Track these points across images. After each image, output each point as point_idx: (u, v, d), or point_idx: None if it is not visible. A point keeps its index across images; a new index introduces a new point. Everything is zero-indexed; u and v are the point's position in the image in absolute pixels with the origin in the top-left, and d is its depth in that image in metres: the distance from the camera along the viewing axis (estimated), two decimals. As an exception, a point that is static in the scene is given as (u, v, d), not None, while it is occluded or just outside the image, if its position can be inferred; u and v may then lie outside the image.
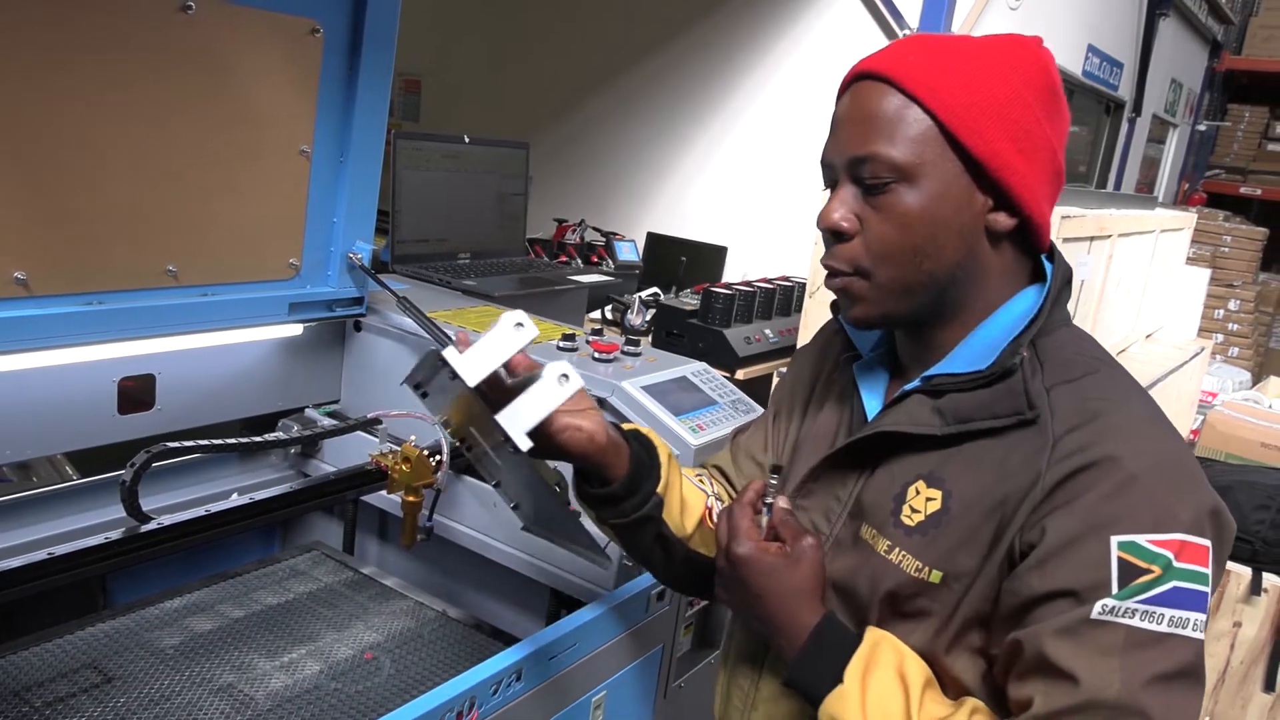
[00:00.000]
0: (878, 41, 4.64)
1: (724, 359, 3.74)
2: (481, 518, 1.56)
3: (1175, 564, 0.81)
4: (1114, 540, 0.81)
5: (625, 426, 1.09)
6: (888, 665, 0.91)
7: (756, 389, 3.71)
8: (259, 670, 1.34)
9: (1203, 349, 4.75)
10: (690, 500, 1.11)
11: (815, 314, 3.55)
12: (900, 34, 4.54)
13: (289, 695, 1.29)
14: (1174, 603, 0.81)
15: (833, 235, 0.94)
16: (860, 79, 0.95)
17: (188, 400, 1.57)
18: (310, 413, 1.72)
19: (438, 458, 1.42)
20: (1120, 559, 0.81)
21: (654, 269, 4.71)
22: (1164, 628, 0.81)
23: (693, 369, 1.59)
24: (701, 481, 1.16)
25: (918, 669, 0.92)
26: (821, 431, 1.07)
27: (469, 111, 6.21)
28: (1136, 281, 4.17)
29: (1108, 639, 0.81)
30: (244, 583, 1.56)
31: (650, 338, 3.94)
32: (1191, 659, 0.82)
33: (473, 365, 0.91)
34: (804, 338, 3.59)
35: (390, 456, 1.40)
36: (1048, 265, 0.97)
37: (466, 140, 2.33)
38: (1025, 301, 0.95)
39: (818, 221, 0.96)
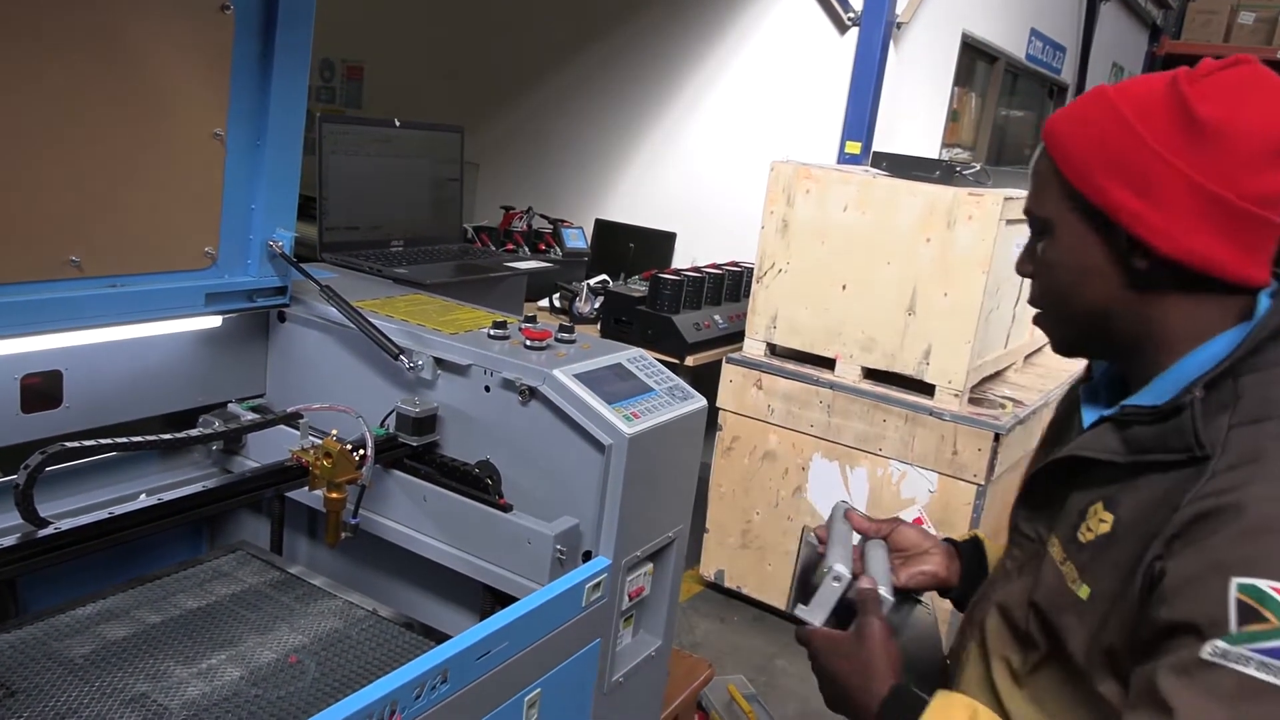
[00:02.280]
0: (825, 30, 4.64)
1: (673, 345, 3.72)
2: (412, 513, 1.51)
3: None
4: (1235, 581, 0.81)
5: (964, 537, 1.32)
6: (961, 714, 0.99)
7: (707, 375, 3.70)
8: (175, 678, 1.28)
9: None
10: None
11: (763, 299, 3.55)
12: (846, 20, 4.53)
13: (206, 704, 1.24)
14: None
15: (1026, 275, 1.08)
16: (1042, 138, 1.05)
17: (99, 397, 1.50)
18: (233, 407, 1.66)
19: (362, 452, 1.37)
20: (1239, 600, 0.81)
21: (602, 256, 4.67)
22: (1276, 680, 0.79)
23: (629, 355, 1.55)
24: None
25: (988, 715, 0.99)
26: (1048, 453, 1.12)
27: (414, 98, 6.11)
28: None
29: (1219, 682, 0.81)
30: (163, 586, 1.50)
31: (599, 325, 3.91)
32: None
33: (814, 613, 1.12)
34: (753, 324, 3.59)
35: (311, 452, 1.34)
36: (1264, 302, 0.96)
37: (397, 124, 2.26)
38: (1222, 342, 0.96)
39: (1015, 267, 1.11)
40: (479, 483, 1.45)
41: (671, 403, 1.48)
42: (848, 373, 3.36)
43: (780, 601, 3.46)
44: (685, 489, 1.57)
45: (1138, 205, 0.93)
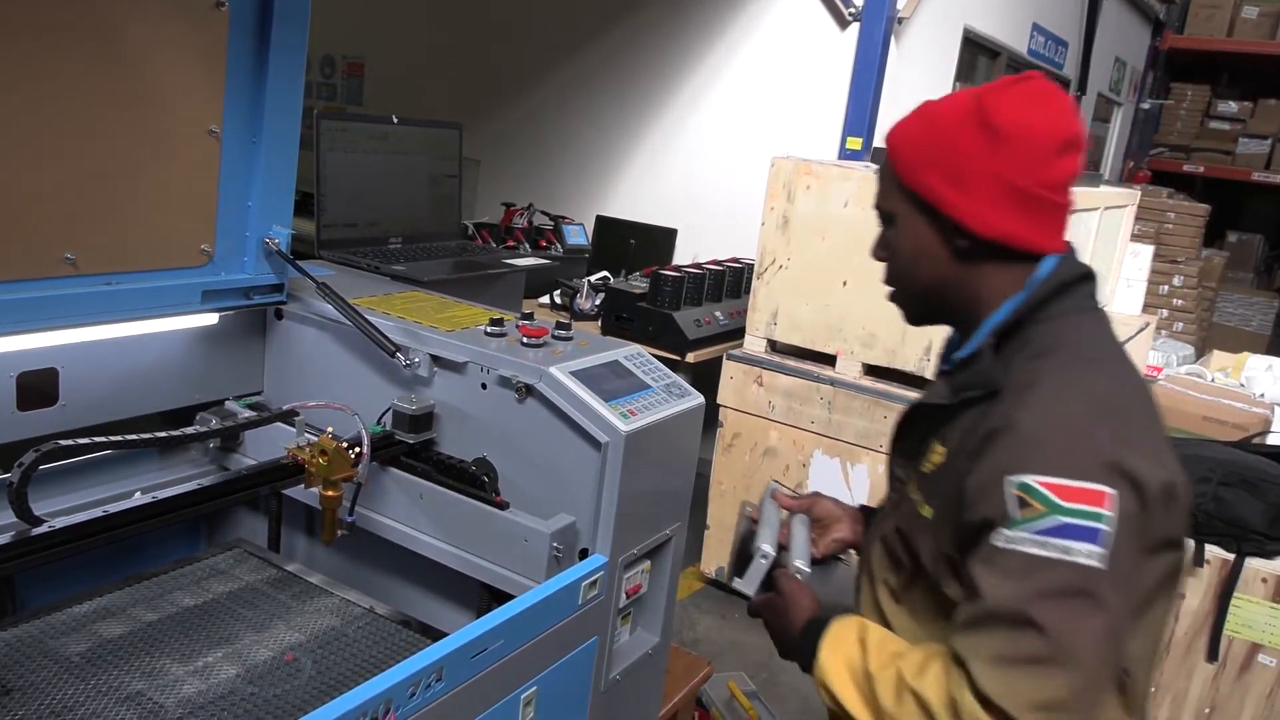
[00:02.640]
0: (826, 26, 4.62)
1: (674, 342, 3.70)
2: (408, 511, 1.51)
3: (1060, 503, 1.00)
4: (1009, 480, 1.02)
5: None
6: (852, 633, 1.18)
7: (707, 372, 3.69)
8: (171, 676, 1.28)
9: (1147, 324, 4.80)
10: None
11: (764, 295, 3.54)
12: (847, 15, 4.52)
13: (202, 701, 1.24)
14: (1061, 534, 1.00)
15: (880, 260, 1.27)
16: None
17: (95, 395, 1.49)
18: (231, 405, 1.65)
19: (358, 450, 1.36)
20: (1016, 496, 1.02)
21: (603, 252, 4.66)
22: (1051, 554, 1.00)
23: (626, 352, 1.55)
24: None
25: (876, 630, 1.19)
26: None
27: (415, 95, 6.10)
28: (1082, 258, 4.20)
29: (1008, 563, 1.02)
30: (160, 584, 1.50)
31: (600, 321, 3.90)
32: (1081, 583, 0.99)
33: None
34: (753, 320, 3.58)
35: (306, 449, 1.34)
36: (1046, 265, 1.16)
37: (395, 120, 2.25)
38: (1016, 300, 1.16)
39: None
40: (475, 480, 1.44)
41: (669, 400, 1.48)
42: (848, 369, 3.35)
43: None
44: (683, 486, 1.56)
45: (955, 197, 1.13)
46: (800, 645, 1.22)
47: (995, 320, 1.16)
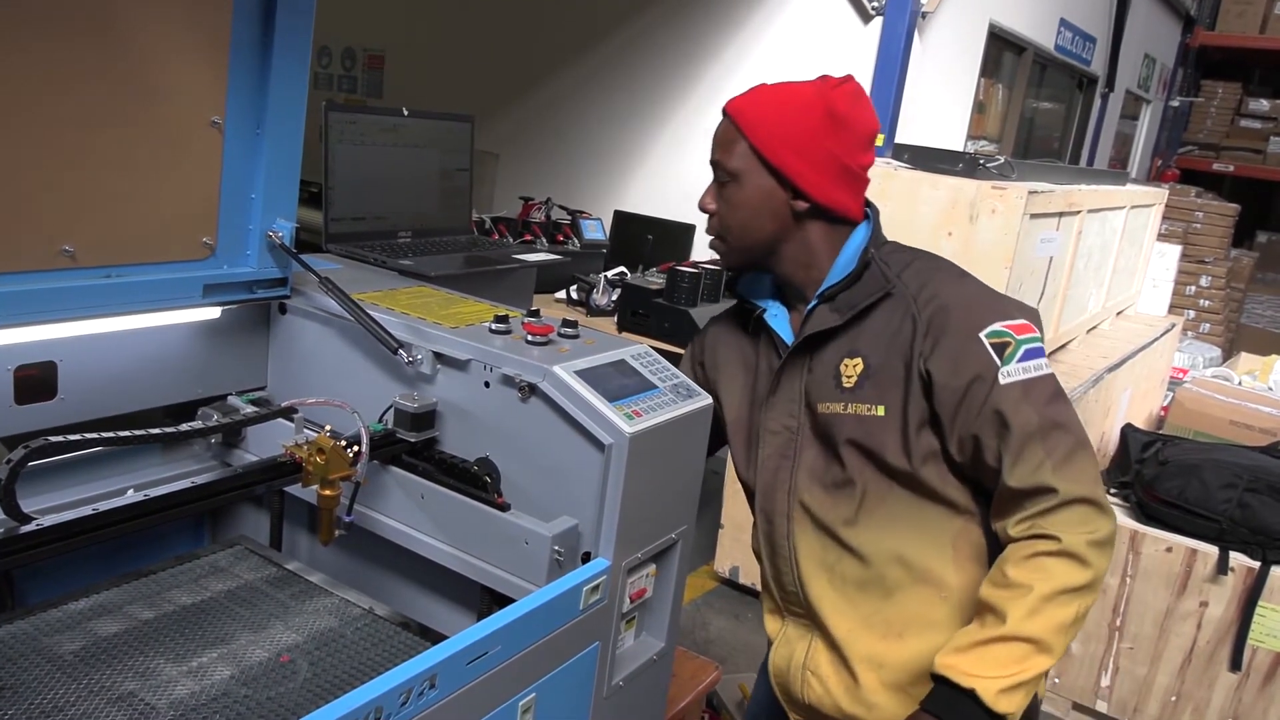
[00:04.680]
0: (849, 20, 4.56)
1: (690, 338, 3.66)
2: (409, 511, 1.48)
3: (1018, 337, 1.35)
4: (980, 335, 1.35)
5: None
6: (963, 652, 1.31)
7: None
8: (164, 676, 1.26)
9: (1173, 325, 4.72)
10: None
11: (781, 293, 3.49)
12: (870, 10, 4.46)
13: (194, 703, 1.21)
14: (1030, 357, 1.34)
15: (704, 212, 1.49)
16: (724, 115, 1.47)
17: (95, 388, 1.48)
18: (233, 400, 1.63)
19: (356, 448, 1.34)
20: (992, 343, 1.34)
21: (621, 247, 4.62)
22: (1033, 374, 1.34)
23: (633, 351, 1.51)
24: None
25: (959, 637, 1.34)
26: (756, 370, 1.56)
27: (435, 88, 6.09)
28: (1107, 258, 4.13)
29: (1014, 393, 1.32)
30: (158, 581, 1.48)
31: (616, 317, 3.87)
32: (1055, 384, 1.35)
33: None
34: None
35: (304, 448, 1.31)
36: (861, 230, 1.49)
37: (406, 113, 2.22)
38: (860, 235, 1.47)
39: (698, 203, 1.49)
40: (477, 481, 1.41)
41: (675, 401, 1.44)
42: (866, 368, 3.30)
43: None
44: (690, 489, 1.52)
45: (802, 167, 1.40)
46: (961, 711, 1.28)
47: (851, 252, 1.45)
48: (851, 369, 1.41)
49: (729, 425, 1.61)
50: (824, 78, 1.44)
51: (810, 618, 1.53)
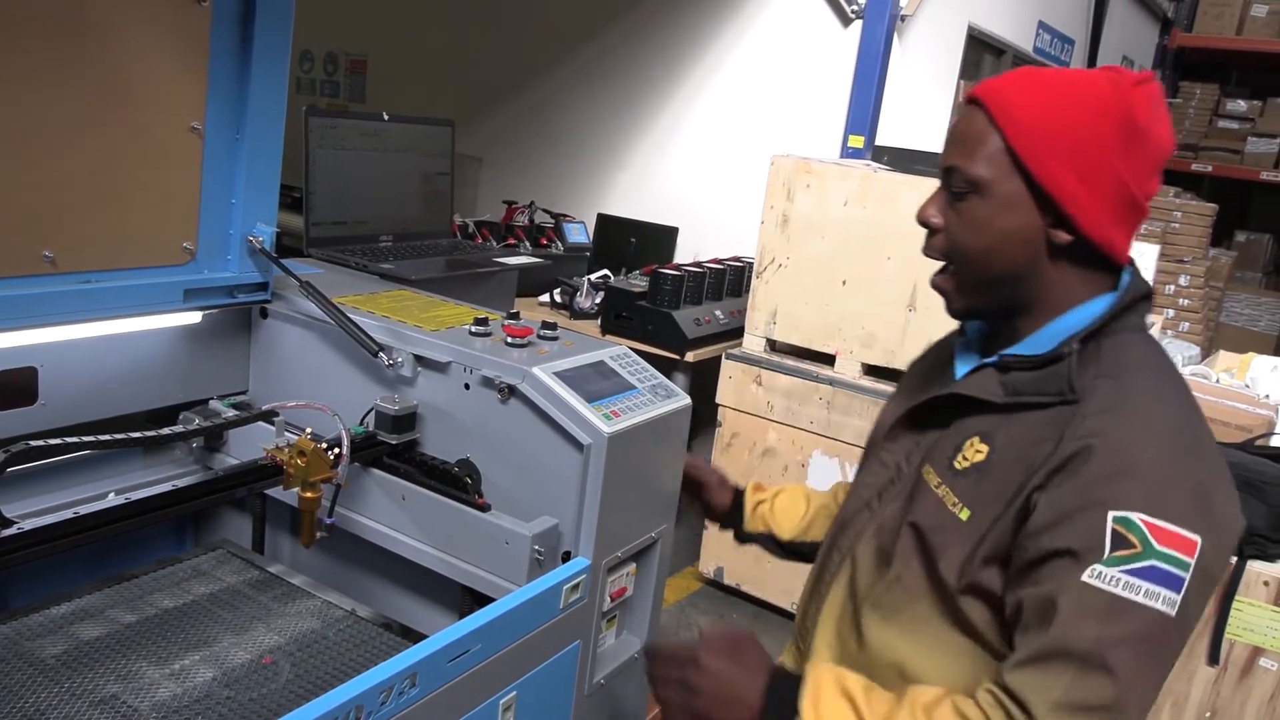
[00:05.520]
0: (829, 22, 4.58)
1: (673, 341, 3.68)
2: (390, 512, 1.49)
3: (1156, 546, 0.95)
4: (1111, 514, 0.96)
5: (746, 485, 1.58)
6: (829, 687, 1.07)
7: (707, 371, 3.67)
8: (146, 679, 1.27)
9: (1153, 324, 4.76)
10: (782, 519, 1.53)
11: (763, 294, 3.51)
12: (850, 13, 4.48)
13: (177, 705, 1.22)
14: (1149, 578, 0.95)
15: (927, 227, 1.13)
16: (968, 103, 1.11)
17: (76, 393, 1.48)
18: (215, 404, 1.64)
19: (337, 450, 1.35)
20: (1115, 531, 0.96)
21: (604, 250, 4.63)
22: (1136, 598, 0.95)
23: (612, 353, 1.53)
24: (831, 492, 1.55)
25: (854, 679, 1.09)
26: (920, 395, 1.23)
27: (417, 92, 6.08)
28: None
29: (1094, 600, 0.96)
30: (140, 585, 1.48)
31: (600, 320, 3.88)
32: (1156, 631, 0.96)
33: None
34: (752, 320, 3.55)
35: (285, 450, 1.32)
36: (1125, 277, 1.12)
37: (386, 118, 2.23)
38: (1096, 307, 1.10)
39: (916, 215, 1.15)
40: (458, 482, 1.43)
41: (654, 401, 1.46)
42: (848, 369, 3.33)
43: (780, 599, 3.43)
44: (669, 489, 1.54)
45: (1077, 189, 1.05)
46: (769, 704, 1.08)
47: (1077, 325, 1.09)
48: (972, 453, 1.11)
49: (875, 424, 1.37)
50: (1115, 70, 1.07)
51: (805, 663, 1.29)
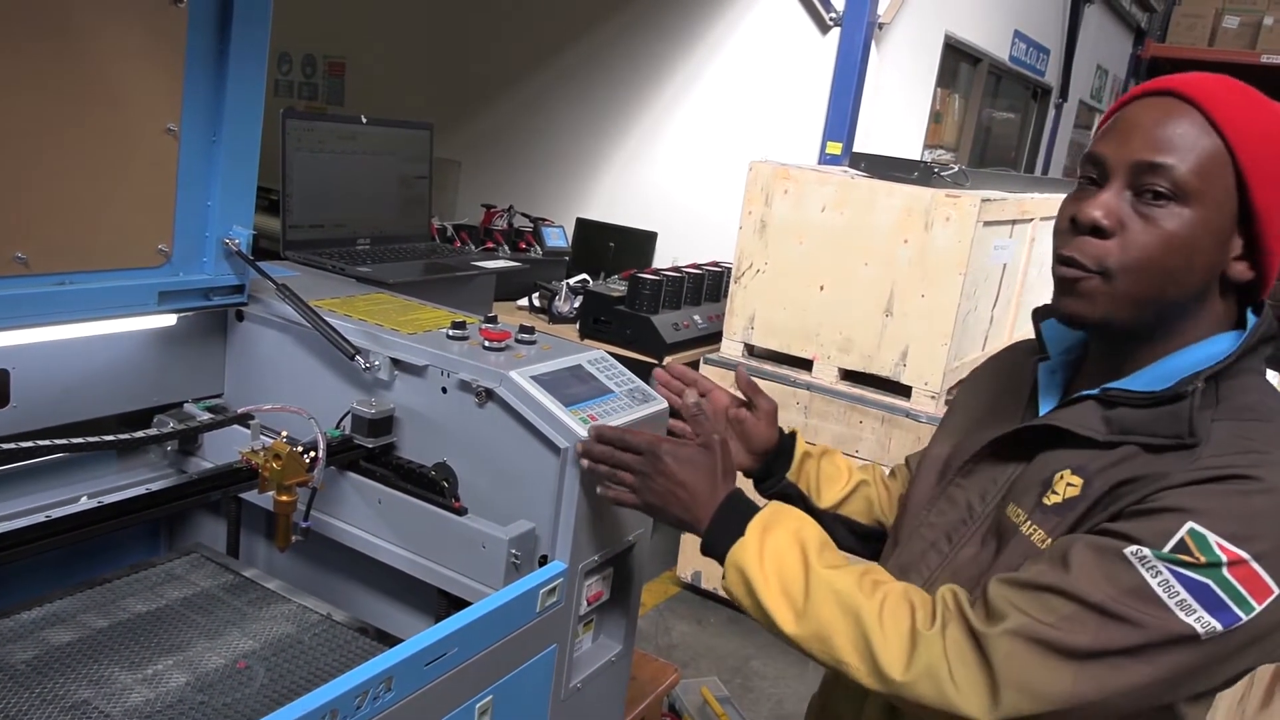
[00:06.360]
0: (807, 30, 4.62)
1: (652, 345, 3.70)
2: (366, 516, 1.49)
3: (1224, 572, 0.87)
4: (1190, 524, 0.88)
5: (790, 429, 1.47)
6: (785, 527, 1.08)
7: (685, 376, 3.68)
8: (119, 684, 1.25)
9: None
10: (825, 483, 1.43)
11: (741, 299, 3.53)
12: (828, 20, 4.52)
13: (149, 711, 1.21)
14: (1197, 594, 0.87)
15: (1091, 230, 0.98)
16: (1168, 95, 0.98)
17: (48, 397, 1.47)
18: (189, 408, 1.63)
19: (313, 454, 1.34)
20: (1183, 538, 0.88)
21: (583, 255, 4.65)
22: (1171, 603, 0.87)
23: (589, 356, 1.53)
24: (865, 469, 1.47)
25: (814, 531, 1.09)
26: (995, 422, 1.15)
27: (396, 95, 6.08)
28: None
29: (1121, 574, 0.89)
30: (113, 590, 1.47)
31: (578, 324, 3.89)
32: (1174, 642, 0.88)
33: None
34: (730, 324, 3.57)
35: (260, 454, 1.32)
36: (1252, 317, 1.04)
37: (364, 121, 2.23)
38: (1220, 344, 1.02)
39: (1077, 211, 0.99)
40: (434, 485, 1.42)
41: (631, 405, 1.46)
42: (825, 374, 3.35)
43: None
44: (646, 492, 1.54)
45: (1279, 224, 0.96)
46: (716, 516, 1.11)
47: (1200, 362, 1.00)
48: (1063, 487, 1.01)
49: (927, 452, 1.28)
50: None
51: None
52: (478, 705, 1.24)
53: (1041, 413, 1.11)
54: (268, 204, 2.43)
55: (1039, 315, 1.18)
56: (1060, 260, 1.02)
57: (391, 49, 6.15)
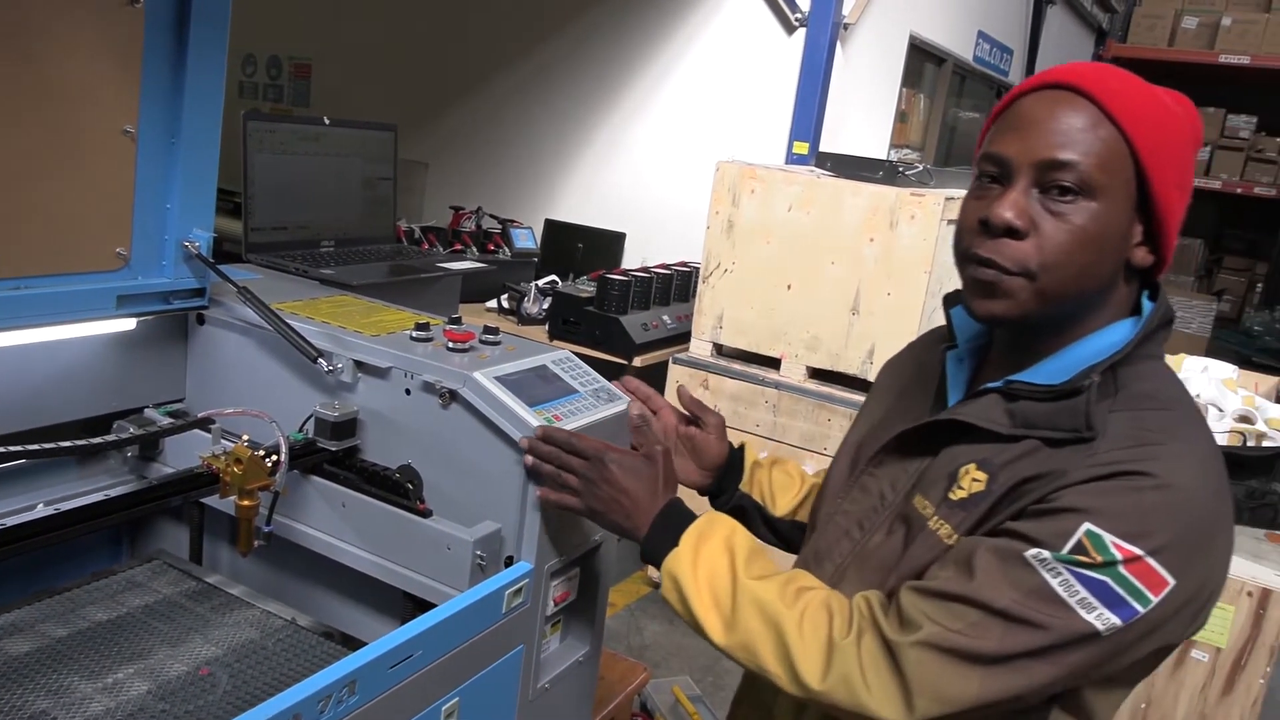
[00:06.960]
0: (773, 31, 4.64)
1: (621, 346, 3.70)
2: (330, 520, 1.48)
3: (1121, 569, 0.90)
4: (1086, 525, 0.91)
5: (739, 444, 1.48)
6: (718, 535, 1.12)
7: (657, 376, 3.68)
8: (78, 694, 1.24)
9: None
10: (778, 492, 1.44)
11: (709, 299, 3.54)
12: (793, 21, 4.54)
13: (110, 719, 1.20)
14: (1097, 592, 0.91)
15: (1005, 232, 0.98)
16: (1060, 89, 0.99)
17: (5, 403, 1.44)
18: (150, 413, 1.61)
19: (275, 458, 1.33)
20: (1081, 540, 0.91)
21: (552, 256, 4.64)
22: (1071, 600, 0.91)
23: (554, 357, 1.53)
24: (817, 474, 1.45)
25: (745, 539, 1.13)
26: (905, 412, 1.18)
27: (363, 97, 6.03)
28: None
29: (1026, 577, 0.92)
30: (73, 598, 1.45)
31: (547, 325, 3.88)
32: (1074, 640, 0.91)
33: None
34: (699, 324, 3.58)
35: (221, 458, 1.31)
36: (1148, 303, 1.05)
37: (327, 122, 2.22)
38: (1118, 332, 1.04)
39: (988, 213, 0.99)
40: (399, 488, 1.42)
41: (596, 405, 1.46)
42: (793, 372, 3.37)
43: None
44: (613, 492, 1.54)
45: (1178, 210, 1.00)
46: (654, 525, 1.15)
47: (1099, 353, 1.01)
48: (969, 482, 1.03)
49: (846, 437, 1.30)
50: (1171, 92, 1.02)
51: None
52: (444, 707, 1.24)
53: (950, 404, 1.12)
54: (232, 207, 2.41)
55: (949, 302, 1.18)
56: (976, 261, 1.01)
57: (358, 51, 6.11)
